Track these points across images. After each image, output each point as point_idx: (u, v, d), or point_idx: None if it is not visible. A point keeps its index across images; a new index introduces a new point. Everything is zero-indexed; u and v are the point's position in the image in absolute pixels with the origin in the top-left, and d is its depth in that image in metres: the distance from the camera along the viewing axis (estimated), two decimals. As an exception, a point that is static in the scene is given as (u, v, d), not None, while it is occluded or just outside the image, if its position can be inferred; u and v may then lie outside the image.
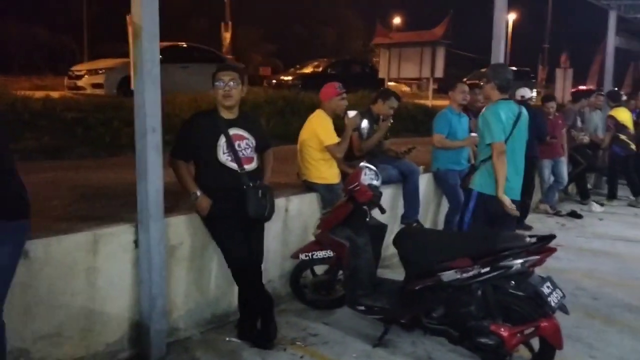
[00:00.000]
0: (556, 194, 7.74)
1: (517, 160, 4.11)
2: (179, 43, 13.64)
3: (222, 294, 3.89)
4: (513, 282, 3.13)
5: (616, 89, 10.28)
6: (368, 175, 3.73)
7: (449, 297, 3.31)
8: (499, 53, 6.44)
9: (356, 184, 3.66)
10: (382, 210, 3.89)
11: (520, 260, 3.11)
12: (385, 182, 5.20)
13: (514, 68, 21.91)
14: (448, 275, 3.26)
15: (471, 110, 5.95)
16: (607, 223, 7.30)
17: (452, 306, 3.31)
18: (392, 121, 5.25)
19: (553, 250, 3.18)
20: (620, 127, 8.36)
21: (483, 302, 3.25)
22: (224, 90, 3.40)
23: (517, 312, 3.13)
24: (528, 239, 3.23)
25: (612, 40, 9.52)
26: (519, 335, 3.15)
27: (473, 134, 5.50)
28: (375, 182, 3.75)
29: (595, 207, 7.96)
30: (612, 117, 8.43)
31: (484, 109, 4.10)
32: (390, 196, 5.36)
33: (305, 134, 4.49)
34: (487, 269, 3.17)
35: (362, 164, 3.84)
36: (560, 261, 5.62)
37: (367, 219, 3.73)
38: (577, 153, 8.11)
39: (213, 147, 3.40)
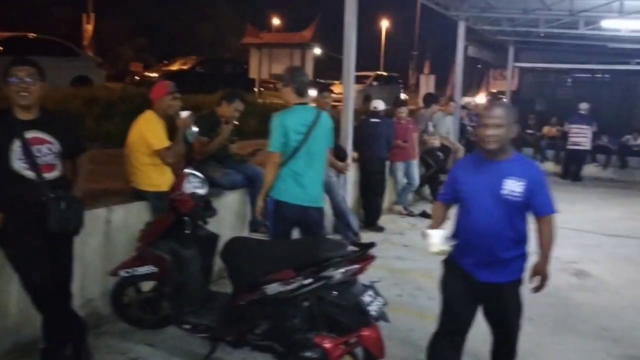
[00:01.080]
0: (409, 196, 8.03)
1: (316, 165, 4.00)
2: (26, 34, 12.34)
3: (25, 319, 3.41)
4: (336, 292, 3.05)
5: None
6: (192, 182, 3.47)
7: (274, 311, 3.17)
8: (350, 57, 6.50)
9: (178, 192, 3.38)
10: (205, 221, 3.65)
11: (341, 270, 3.03)
12: (229, 188, 5.02)
13: (383, 73, 22.92)
14: (272, 289, 3.11)
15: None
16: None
17: (276, 320, 3.17)
18: (236, 123, 5.03)
19: (372, 258, 3.14)
20: None
21: (308, 314, 3.15)
22: (19, 87, 2.95)
23: (342, 322, 3.06)
24: (350, 248, 3.17)
25: (461, 49, 10.12)
26: (342, 346, 3.08)
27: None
28: (200, 191, 3.50)
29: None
30: None
31: (274, 115, 3.96)
32: (236, 202, 5.15)
33: (132, 136, 4.12)
34: (310, 280, 3.06)
35: (186, 170, 3.57)
36: (405, 262, 5.81)
37: (188, 231, 3.47)
38: (429, 156, 8.48)
39: (5, 153, 2.94)
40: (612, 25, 9.05)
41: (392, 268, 5.53)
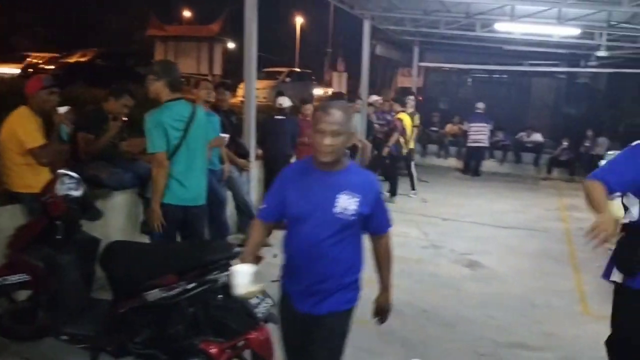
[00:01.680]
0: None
1: (198, 162, 3.88)
2: None
3: None
4: (221, 296, 2.96)
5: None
6: (66, 184, 3.23)
7: (156, 317, 3.02)
8: (251, 53, 6.39)
9: (49, 195, 3.13)
10: (81, 224, 3.42)
11: (226, 273, 2.94)
12: (117, 188, 4.75)
13: (296, 69, 22.94)
14: (153, 295, 2.96)
15: (222, 110, 5.77)
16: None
17: (159, 327, 3.02)
18: (125, 119, 4.77)
19: (260, 258, 3.07)
20: (403, 130, 9.09)
21: (193, 319, 3.03)
22: None
23: (229, 326, 2.97)
24: (237, 249, 3.07)
25: (367, 48, 10.30)
26: (229, 350, 3.00)
27: (223, 135, 5.34)
28: (74, 193, 3.26)
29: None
30: (400, 120, 9.11)
31: (147, 114, 3.77)
32: (126, 203, 4.89)
33: (3, 134, 3.78)
34: (194, 284, 2.95)
35: (59, 170, 3.32)
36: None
37: (59, 236, 3.22)
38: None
39: None
40: (505, 28, 9.56)
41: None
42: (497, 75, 17.42)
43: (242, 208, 6.03)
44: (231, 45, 22.93)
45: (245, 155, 6.07)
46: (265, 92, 14.51)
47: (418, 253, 6.27)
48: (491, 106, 13.72)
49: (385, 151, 8.99)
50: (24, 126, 3.72)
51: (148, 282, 2.97)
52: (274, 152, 6.87)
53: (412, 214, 8.23)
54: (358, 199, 2.36)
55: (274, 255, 3.49)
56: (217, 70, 14.44)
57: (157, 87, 3.73)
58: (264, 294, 3.05)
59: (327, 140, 2.26)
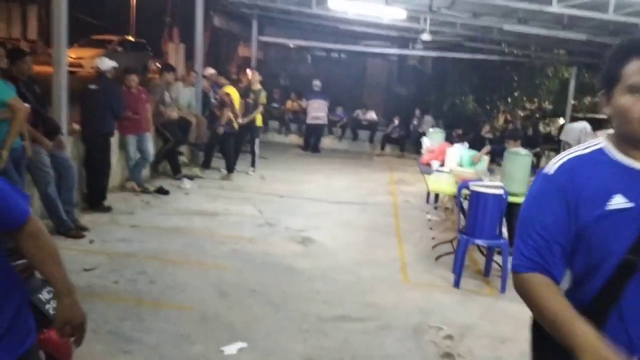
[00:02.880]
0: (142, 171, 7.50)
1: None
2: None
3: None
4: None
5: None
6: None
7: None
8: (60, 12, 5.65)
9: None
10: None
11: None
12: None
13: (130, 38, 21.33)
14: None
15: (21, 80, 5.00)
16: (191, 198, 7.44)
17: None
18: None
19: None
20: (231, 104, 8.80)
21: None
22: None
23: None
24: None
25: (200, 18, 9.80)
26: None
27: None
28: None
29: (186, 183, 8.07)
30: (227, 94, 8.77)
31: None
32: None
33: None
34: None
35: None
36: (131, 244, 5.36)
37: None
38: (166, 129, 8.04)
39: None
40: (337, 6, 9.70)
41: (113, 252, 5.04)
42: (336, 55, 17.92)
43: (44, 203, 5.23)
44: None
45: (54, 131, 5.33)
46: (92, 62, 13.20)
47: (252, 232, 6.14)
48: (329, 84, 14.08)
49: (220, 130, 8.73)
50: None
51: None
52: (90, 129, 6.20)
53: (249, 192, 8.09)
54: None
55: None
56: (33, 34, 12.77)
57: None
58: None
59: None
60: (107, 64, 6.45)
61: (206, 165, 9.29)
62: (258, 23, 13.45)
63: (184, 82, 9.09)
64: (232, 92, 9.00)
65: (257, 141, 9.71)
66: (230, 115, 8.74)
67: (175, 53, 17.68)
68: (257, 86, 9.41)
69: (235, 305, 4.17)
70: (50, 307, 2.63)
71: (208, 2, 10.99)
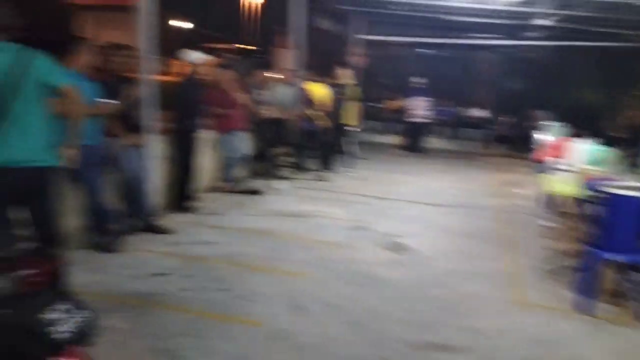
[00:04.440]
0: (235, 171, 7.25)
1: (26, 122, 3.13)
2: None
3: None
4: (12, 310, 2.16)
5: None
6: None
7: None
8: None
9: None
10: None
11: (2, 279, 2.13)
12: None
13: (243, 46, 21.83)
14: None
15: (118, 75, 4.93)
16: (285, 199, 7.03)
17: None
18: None
19: (56, 258, 2.28)
20: (307, 101, 8.52)
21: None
22: None
23: (19, 351, 2.18)
24: (27, 246, 2.29)
25: (301, 20, 9.54)
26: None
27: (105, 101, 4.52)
28: None
29: (280, 184, 7.76)
30: (304, 90, 8.57)
31: None
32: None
33: None
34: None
35: None
36: (211, 247, 5.05)
37: None
38: (262, 127, 7.79)
39: None
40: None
41: (188, 256, 4.76)
42: (441, 50, 16.97)
43: (125, 192, 5.07)
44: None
45: (136, 128, 5.15)
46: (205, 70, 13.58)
47: (340, 236, 5.63)
48: (435, 81, 13.25)
49: (298, 128, 8.48)
50: None
51: None
52: (177, 125, 5.97)
53: (343, 193, 7.61)
54: None
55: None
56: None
57: None
58: (77, 306, 2.25)
59: None
60: (196, 56, 6.26)
61: (301, 165, 8.94)
62: (361, 21, 12.98)
63: (281, 81, 8.83)
64: (314, 88, 8.67)
65: (350, 140, 9.27)
66: (313, 112, 8.45)
67: (284, 58, 17.72)
68: (348, 81, 8.98)
69: (309, 322, 3.66)
70: (57, 330, 2.19)
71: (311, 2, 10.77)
